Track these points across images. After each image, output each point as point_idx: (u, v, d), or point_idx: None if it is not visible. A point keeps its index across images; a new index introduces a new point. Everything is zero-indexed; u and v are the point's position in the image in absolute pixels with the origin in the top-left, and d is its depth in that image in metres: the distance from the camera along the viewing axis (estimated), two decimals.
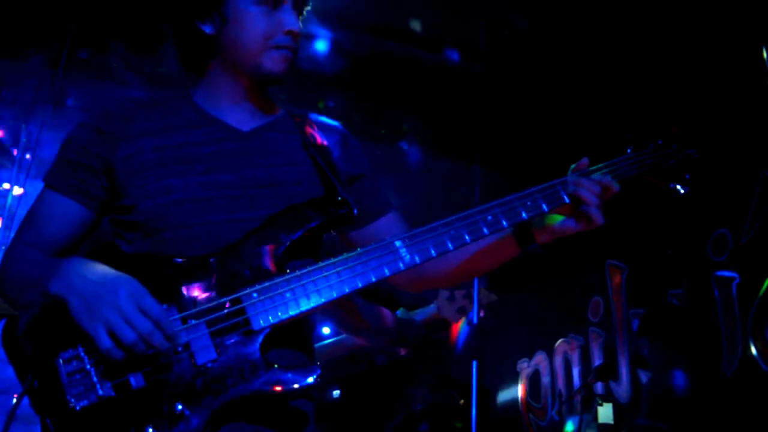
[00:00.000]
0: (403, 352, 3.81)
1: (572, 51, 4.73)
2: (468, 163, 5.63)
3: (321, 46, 4.77)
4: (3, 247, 4.34)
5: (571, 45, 4.68)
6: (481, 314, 4.69)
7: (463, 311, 3.69)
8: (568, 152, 5.72)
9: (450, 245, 1.52)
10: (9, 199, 4.58)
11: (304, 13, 1.67)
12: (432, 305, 3.75)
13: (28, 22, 4.55)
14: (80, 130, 1.61)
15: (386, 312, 3.42)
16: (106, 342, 1.31)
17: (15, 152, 4.80)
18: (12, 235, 4.48)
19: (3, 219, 4.52)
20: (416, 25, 4.85)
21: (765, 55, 4.02)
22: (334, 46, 4.81)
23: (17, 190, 4.66)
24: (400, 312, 3.75)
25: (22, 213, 4.64)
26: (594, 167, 1.67)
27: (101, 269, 1.40)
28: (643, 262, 5.31)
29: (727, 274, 4.45)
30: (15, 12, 4.45)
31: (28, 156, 4.65)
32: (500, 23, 4.65)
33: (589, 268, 5.90)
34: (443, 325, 3.71)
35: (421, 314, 3.77)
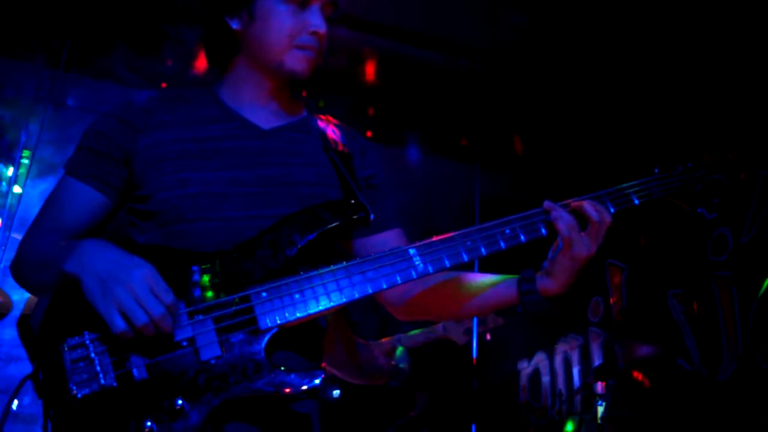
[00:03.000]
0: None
1: (574, 51, 4.73)
2: (468, 163, 5.63)
3: None
4: (3, 247, 4.34)
5: (572, 44, 4.68)
6: (488, 338, 4.66)
7: (469, 333, 3.63)
8: (569, 152, 5.75)
9: (465, 257, 1.50)
10: (9, 199, 4.58)
11: (329, 19, 1.65)
12: (439, 325, 3.71)
13: (28, 22, 4.55)
14: (103, 119, 1.61)
15: (379, 355, 3.39)
16: (119, 322, 1.30)
17: (15, 152, 4.80)
18: (12, 234, 4.48)
19: (3, 219, 4.52)
20: (416, 25, 4.85)
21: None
22: (335, 45, 4.80)
23: (17, 190, 4.65)
24: (399, 336, 3.74)
25: (22, 213, 4.65)
26: (619, 186, 1.63)
27: (116, 251, 1.39)
28: (643, 262, 5.31)
29: (727, 274, 4.44)
30: (15, 12, 4.45)
31: (27, 156, 4.65)
32: (500, 23, 4.65)
33: (589, 268, 5.90)
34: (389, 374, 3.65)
35: (426, 334, 3.73)
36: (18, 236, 4.36)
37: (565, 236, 1.50)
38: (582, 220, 1.53)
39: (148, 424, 1.31)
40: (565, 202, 1.57)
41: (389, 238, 1.70)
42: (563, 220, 1.50)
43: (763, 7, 3.95)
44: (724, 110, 4.41)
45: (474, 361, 4.70)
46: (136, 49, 4.70)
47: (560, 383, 6.13)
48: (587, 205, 1.52)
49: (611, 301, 5.62)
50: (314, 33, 1.59)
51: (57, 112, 4.76)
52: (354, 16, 4.67)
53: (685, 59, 4.48)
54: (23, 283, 1.54)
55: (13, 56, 4.69)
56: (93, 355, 1.34)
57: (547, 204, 1.53)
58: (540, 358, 6.48)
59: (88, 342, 1.35)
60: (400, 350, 3.70)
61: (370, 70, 5.09)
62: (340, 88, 5.13)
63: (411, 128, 5.64)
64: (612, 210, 1.60)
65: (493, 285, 1.60)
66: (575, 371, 5.96)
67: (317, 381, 1.38)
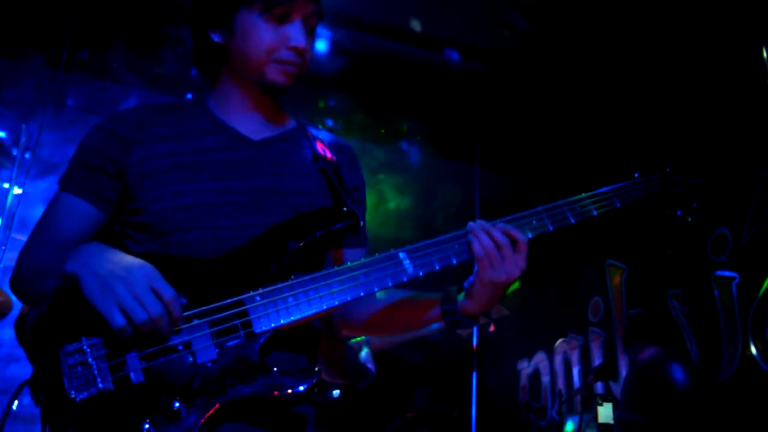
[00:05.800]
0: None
1: (572, 51, 4.74)
2: (468, 163, 5.64)
3: (321, 45, 4.77)
4: (3, 247, 4.34)
5: (571, 45, 4.68)
6: (492, 329, 4.66)
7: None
8: (568, 152, 5.75)
9: (454, 260, 1.53)
10: (9, 199, 4.58)
11: (314, 30, 1.67)
12: None
13: (28, 22, 4.55)
14: (95, 133, 1.63)
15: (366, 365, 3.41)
16: (118, 318, 1.32)
17: (15, 152, 4.80)
18: (12, 234, 4.48)
19: (3, 219, 4.52)
20: (416, 25, 4.86)
21: (765, 54, 4.02)
22: (334, 45, 4.81)
23: (17, 190, 4.65)
24: None
25: (22, 213, 4.65)
26: (601, 190, 1.65)
27: (116, 252, 1.42)
28: (643, 262, 5.31)
29: (727, 274, 4.44)
30: (15, 12, 4.46)
31: (27, 156, 4.65)
32: (500, 23, 4.65)
33: (589, 268, 5.90)
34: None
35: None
36: (18, 236, 4.36)
37: (478, 258, 1.51)
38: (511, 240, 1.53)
39: (146, 426, 1.32)
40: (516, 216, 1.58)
41: (357, 256, 1.70)
42: (477, 243, 1.52)
43: (758, 6, 3.96)
44: (723, 111, 4.41)
45: (474, 348, 4.71)
46: (136, 50, 4.71)
47: (560, 383, 6.14)
48: (496, 232, 1.52)
49: (611, 301, 5.62)
50: (294, 48, 1.59)
51: (57, 112, 4.77)
52: (355, 16, 4.67)
53: (684, 62, 4.48)
54: (22, 294, 1.57)
55: (13, 56, 4.69)
56: (90, 359, 1.36)
57: (469, 225, 1.55)
58: (540, 358, 6.49)
59: (85, 347, 1.36)
60: (364, 351, 3.71)
61: (370, 69, 5.09)
62: (339, 88, 5.13)
63: (411, 128, 5.65)
64: (595, 213, 1.64)
65: (428, 303, 1.65)
66: (575, 371, 5.96)
67: (311, 383, 1.40)
